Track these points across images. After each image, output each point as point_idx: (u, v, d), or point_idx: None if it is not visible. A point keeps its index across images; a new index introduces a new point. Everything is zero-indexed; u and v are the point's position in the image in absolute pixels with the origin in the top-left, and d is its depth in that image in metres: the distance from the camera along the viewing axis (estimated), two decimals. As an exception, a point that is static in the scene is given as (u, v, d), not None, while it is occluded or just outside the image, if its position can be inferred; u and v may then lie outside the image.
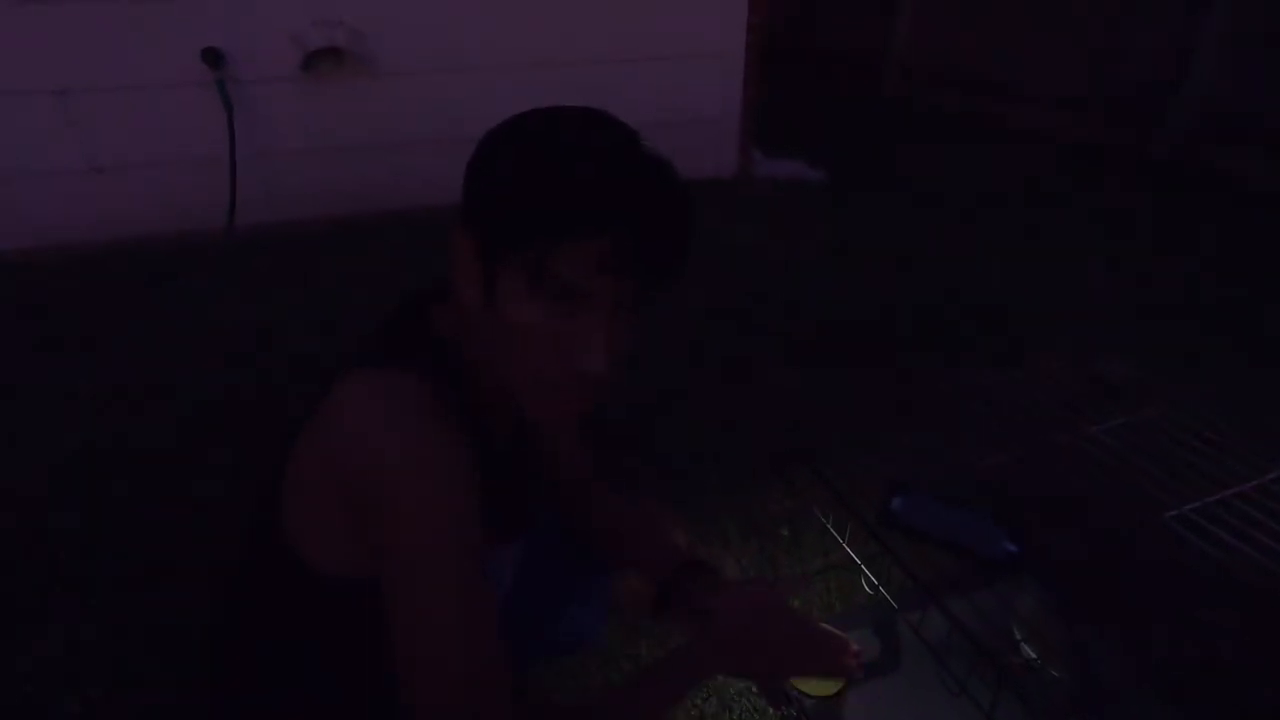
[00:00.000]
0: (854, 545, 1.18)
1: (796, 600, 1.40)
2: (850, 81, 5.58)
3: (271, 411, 1.85)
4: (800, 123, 4.43)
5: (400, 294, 0.75)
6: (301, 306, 2.41)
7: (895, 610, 1.07)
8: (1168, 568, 1.04)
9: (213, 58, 2.69)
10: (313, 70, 2.83)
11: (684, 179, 0.65)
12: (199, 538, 1.48)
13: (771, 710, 1.01)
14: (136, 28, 2.61)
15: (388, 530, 0.63)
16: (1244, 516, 1.02)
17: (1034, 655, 1.10)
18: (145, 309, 2.40)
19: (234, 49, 2.72)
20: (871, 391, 1.99)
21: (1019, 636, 1.11)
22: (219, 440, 1.78)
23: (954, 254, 2.92)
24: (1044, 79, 4.45)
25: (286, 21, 2.75)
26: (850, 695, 0.96)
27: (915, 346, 2.27)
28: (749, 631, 0.81)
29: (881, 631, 1.23)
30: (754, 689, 1.20)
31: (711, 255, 2.80)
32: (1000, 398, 1.21)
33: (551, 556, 0.99)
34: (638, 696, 0.77)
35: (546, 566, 0.98)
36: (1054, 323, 2.41)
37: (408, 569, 0.63)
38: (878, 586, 1.03)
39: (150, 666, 1.25)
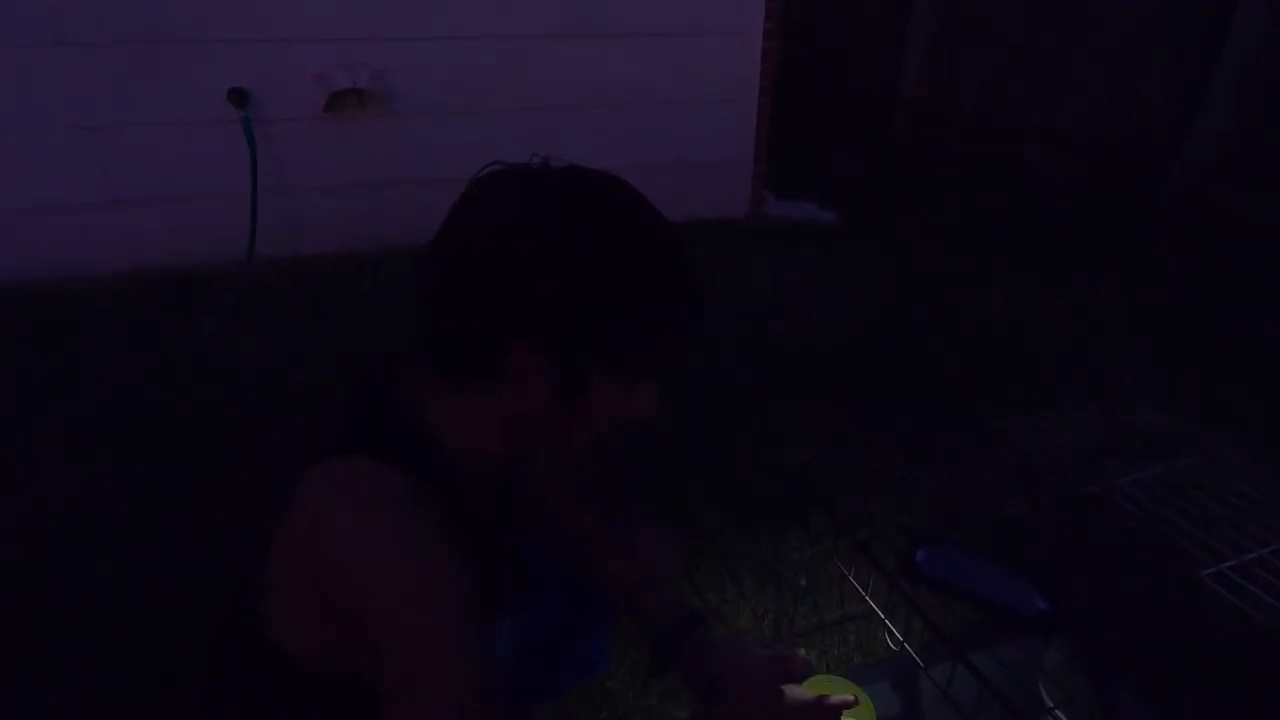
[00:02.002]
0: (874, 597, 1.14)
1: (806, 651, 1.36)
2: (861, 124, 5.65)
3: (275, 453, 1.83)
4: (812, 165, 4.48)
5: (366, 360, 0.73)
6: (316, 341, 2.41)
7: (920, 666, 1.03)
8: (1204, 628, 1.00)
9: (238, 97, 2.76)
10: (335, 110, 2.90)
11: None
12: (191, 586, 1.45)
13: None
14: (166, 68, 2.69)
15: (371, 626, 0.60)
16: (1282, 574, 0.98)
17: (1063, 717, 1.05)
18: (162, 341, 2.41)
19: (259, 89, 2.80)
20: (890, 436, 1.95)
21: (1047, 700, 1.06)
22: (221, 484, 1.76)
23: (970, 295, 2.91)
24: (1053, 119, 4.49)
25: (312, 63, 2.83)
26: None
27: (933, 389, 2.24)
28: (755, 709, 0.80)
29: (901, 687, 1.18)
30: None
31: (724, 296, 2.80)
32: (1024, 444, 1.18)
33: (550, 594, 0.97)
34: None
35: (550, 606, 0.96)
36: (1076, 367, 2.38)
37: (393, 661, 0.60)
38: (903, 642, 1.00)
39: None
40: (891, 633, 1.02)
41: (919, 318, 2.73)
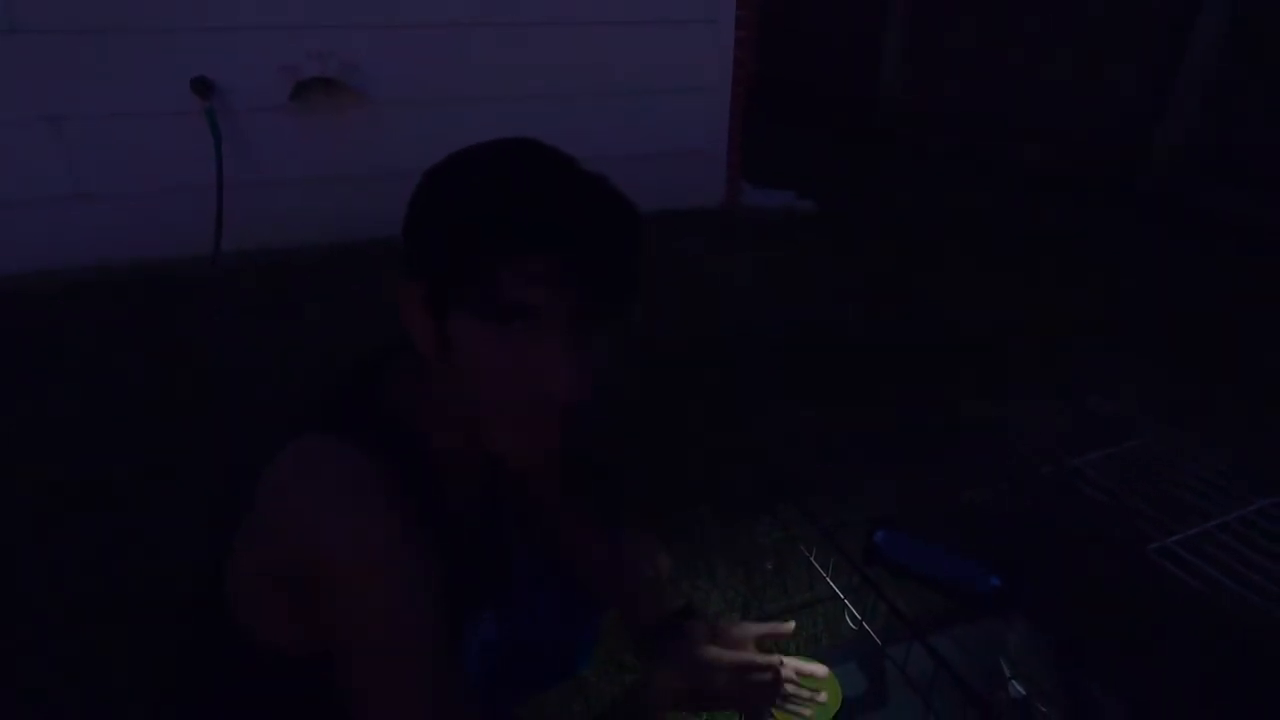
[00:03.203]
0: (839, 580, 1.16)
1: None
2: (841, 117, 5.68)
3: (242, 446, 1.82)
4: (789, 156, 4.50)
5: (355, 354, 0.73)
6: (284, 335, 2.39)
7: (880, 646, 1.05)
8: (1153, 601, 1.04)
9: (202, 87, 2.71)
10: (302, 99, 2.85)
11: (625, 194, 0.64)
12: (154, 583, 1.44)
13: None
14: (129, 57, 2.63)
15: (339, 613, 0.61)
16: (1227, 548, 1.02)
17: (1022, 692, 1.08)
18: (127, 336, 2.37)
19: (224, 78, 2.74)
20: (858, 423, 1.98)
21: (1007, 673, 1.09)
22: (186, 478, 1.74)
23: (941, 285, 2.94)
24: (1028, 113, 4.55)
25: (277, 52, 2.78)
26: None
27: (902, 378, 2.27)
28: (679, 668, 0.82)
29: (866, 667, 1.21)
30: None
31: (696, 284, 2.81)
32: (986, 431, 1.21)
33: (536, 593, 0.97)
34: None
35: (532, 605, 0.96)
36: (1040, 356, 2.43)
37: (363, 650, 0.61)
38: (860, 621, 1.02)
39: None
40: (852, 613, 1.04)
41: (892, 308, 2.76)
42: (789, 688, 0.92)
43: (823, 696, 0.94)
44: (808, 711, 0.92)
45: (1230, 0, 3.52)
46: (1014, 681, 1.07)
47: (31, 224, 2.71)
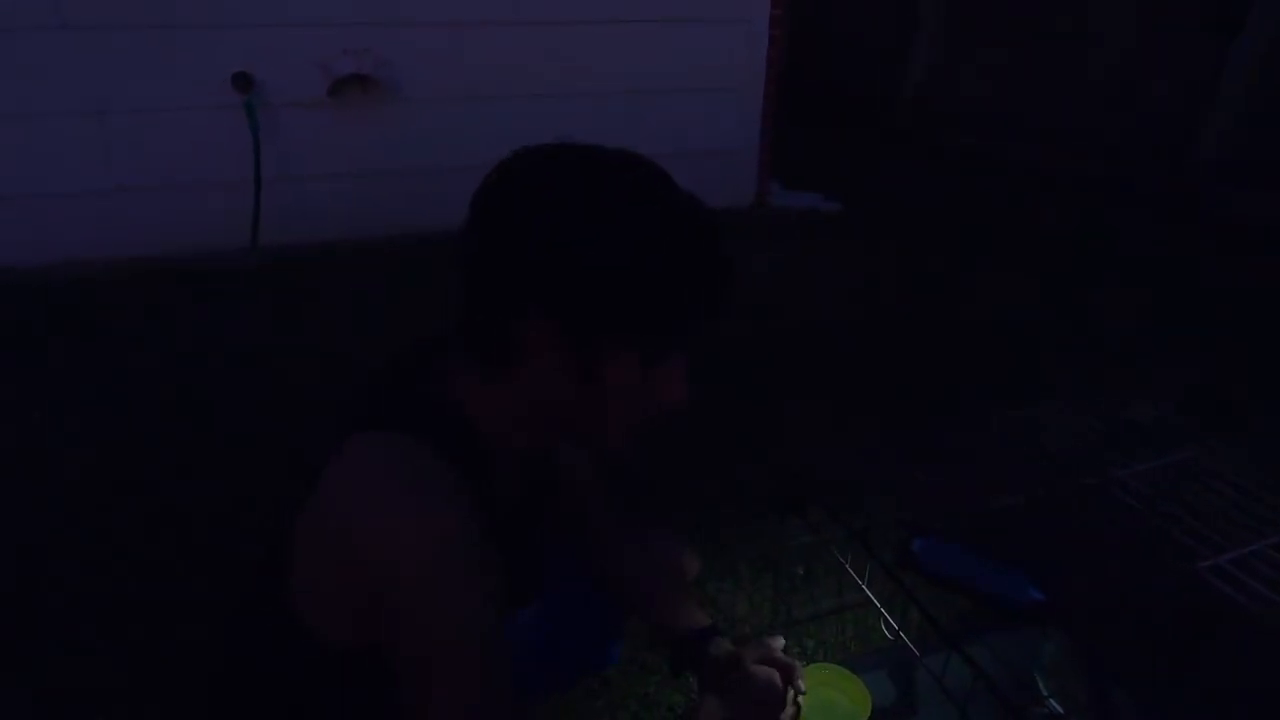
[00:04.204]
0: (871, 587, 1.14)
1: (804, 638, 1.36)
2: (868, 117, 5.61)
3: (281, 445, 1.84)
4: (816, 156, 4.46)
5: (407, 343, 0.73)
6: (318, 327, 2.42)
7: (915, 656, 1.03)
8: (1200, 619, 1.00)
9: (243, 82, 2.75)
10: (339, 96, 2.89)
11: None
12: (198, 580, 1.45)
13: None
14: (171, 52, 2.68)
15: (403, 613, 0.61)
16: (1280, 568, 0.98)
17: (1059, 709, 1.05)
18: (164, 326, 2.42)
19: (264, 74, 2.79)
20: (889, 425, 1.95)
21: (1043, 689, 1.06)
22: (227, 475, 1.76)
23: (971, 287, 2.90)
24: (1059, 116, 4.46)
25: (316, 49, 2.82)
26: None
27: (934, 382, 2.24)
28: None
29: (897, 676, 1.19)
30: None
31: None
32: (1022, 436, 1.18)
33: (566, 591, 0.97)
34: None
35: (560, 601, 0.96)
36: (1077, 362, 2.37)
37: (424, 649, 0.61)
38: (899, 632, 1.00)
39: None
40: (888, 623, 1.02)
41: (921, 310, 2.72)
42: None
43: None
44: None
45: (1275, 7, 3.42)
46: (1051, 700, 1.05)
47: (73, 215, 2.77)
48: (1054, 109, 4.46)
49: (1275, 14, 3.44)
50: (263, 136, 2.80)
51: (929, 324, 2.61)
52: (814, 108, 5.66)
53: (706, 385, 2.14)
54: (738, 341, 2.41)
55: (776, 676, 0.84)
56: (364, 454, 0.63)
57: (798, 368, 2.31)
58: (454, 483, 0.62)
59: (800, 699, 0.85)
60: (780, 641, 0.88)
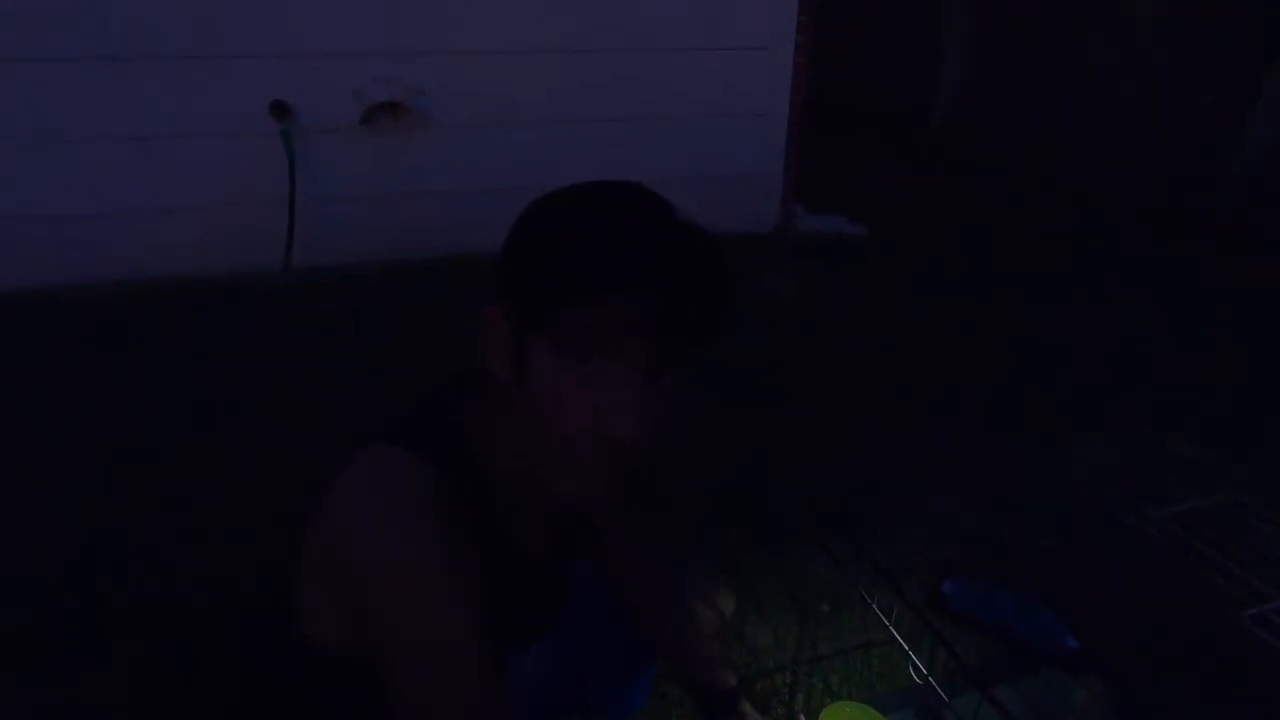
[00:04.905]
0: (898, 626, 1.12)
1: (828, 675, 1.34)
2: (895, 140, 5.60)
3: (306, 454, 1.87)
4: (842, 179, 4.45)
5: (447, 375, 0.74)
6: (348, 349, 2.46)
7: (945, 702, 1.01)
8: (1242, 670, 0.96)
9: (280, 110, 2.83)
10: (370, 122, 2.95)
11: (722, 245, 0.64)
12: (215, 587, 1.48)
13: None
14: (213, 81, 2.77)
15: (386, 627, 0.62)
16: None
17: (1093, 757, 1.02)
18: (201, 343, 2.48)
19: (300, 102, 2.87)
20: (918, 458, 1.92)
21: (1078, 737, 1.03)
22: (253, 485, 1.80)
23: (1003, 316, 2.85)
24: (1092, 137, 4.40)
25: (349, 77, 2.89)
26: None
27: (964, 412, 2.20)
28: None
29: (923, 717, 1.16)
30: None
31: (751, 310, 2.79)
32: (1057, 472, 1.15)
33: (593, 631, 0.97)
34: None
35: (589, 641, 0.96)
36: (1112, 394, 2.32)
37: (407, 662, 0.62)
38: (927, 676, 0.98)
39: None
40: (916, 666, 1.00)
41: (950, 336, 2.68)
42: None
43: None
44: None
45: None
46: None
47: (117, 235, 2.86)
48: (1087, 130, 4.41)
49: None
50: (298, 162, 2.88)
51: (960, 351, 2.57)
52: (840, 130, 5.66)
53: (730, 410, 2.15)
54: (760, 365, 2.40)
55: None
56: (363, 465, 0.66)
57: (821, 392, 2.29)
58: (443, 499, 0.63)
59: None
60: None
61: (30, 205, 2.74)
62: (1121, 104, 4.24)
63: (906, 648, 1.02)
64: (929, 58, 5.39)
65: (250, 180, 2.92)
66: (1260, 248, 3.50)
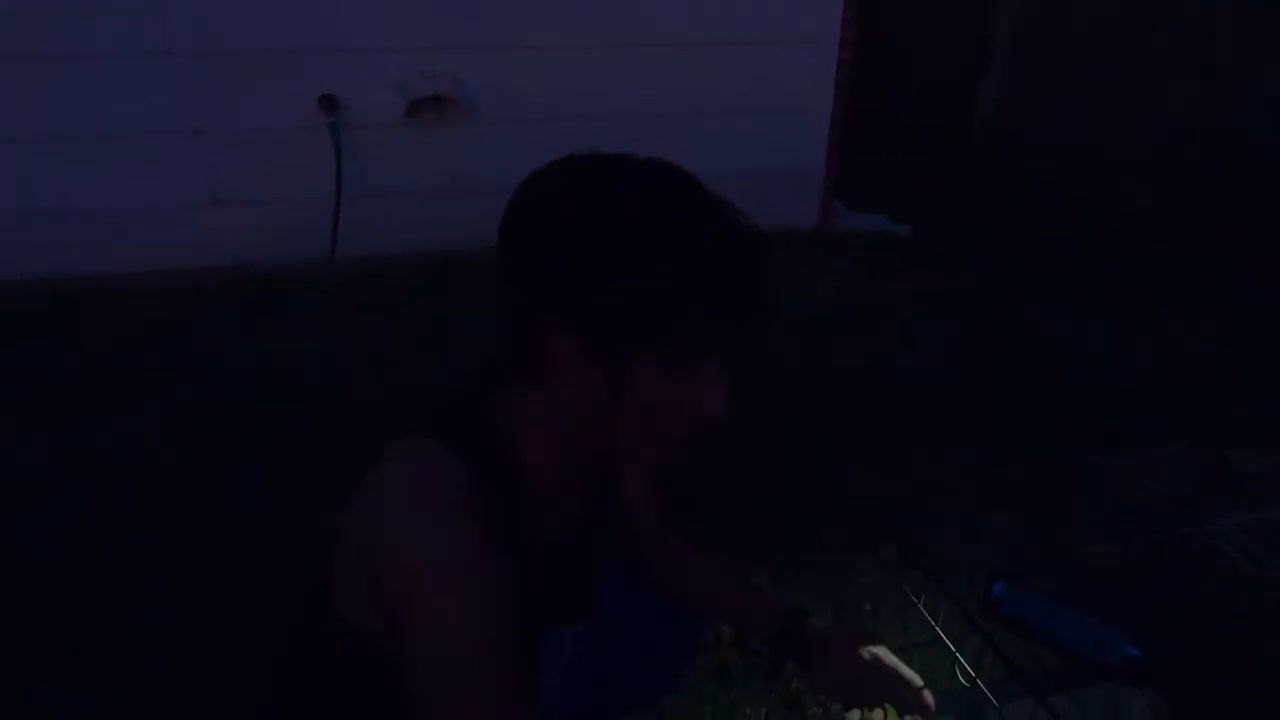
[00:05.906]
0: (946, 629, 1.10)
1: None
2: (938, 141, 5.48)
3: (348, 446, 1.90)
4: (884, 179, 4.37)
5: (477, 363, 0.75)
6: (392, 335, 2.50)
7: (994, 706, 0.99)
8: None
9: (328, 104, 2.89)
10: (415, 116, 3.00)
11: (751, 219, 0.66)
12: (252, 581, 1.51)
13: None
14: (265, 76, 2.84)
15: (409, 634, 0.62)
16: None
17: (1149, 772, 0.99)
18: (250, 332, 2.54)
19: (347, 96, 2.92)
20: (966, 463, 1.88)
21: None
22: (297, 475, 1.83)
23: (1052, 323, 2.77)
24: (1137, 145, 4.25)
25: (396, 72, 2.94)
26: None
27: (1013, 416, 2.15)
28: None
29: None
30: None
31: (793, 307, 2.76)
32: (1112, 480, 1.12)
33: (630, 617, 0.97)
34: None
35: (626, 628, 0.96)
36: (1169, 403, 2.23)
37: (427, 658, 0.62)
38: (975, 679, 0.96)
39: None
40: (963, 668, 0.99)
41: (998, 343, 2.62)
42: None
43: None
44: None
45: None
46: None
47: (172, 226, 2.95)
48: (1132, 139, 4.26)
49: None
50: (345, 155, 2.93)
51: (1010, 358, 2.50)
52: (882, 131, 5.56)
53: (773, 412, 2.13)
54: (806, 368, 2.37)
55: (887, 654, 0.86)
56: (395, 463, 0.66)
57: (868, 398, 2.25)
58: (473, 493, 0.63)
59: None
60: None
61: (82, 198, 2.83)
62: (1166, 114, 4.08)
63: (953, 648, 1.01)
64: (974, 62, 5.25)
65: (299, 173, 2.98)
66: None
